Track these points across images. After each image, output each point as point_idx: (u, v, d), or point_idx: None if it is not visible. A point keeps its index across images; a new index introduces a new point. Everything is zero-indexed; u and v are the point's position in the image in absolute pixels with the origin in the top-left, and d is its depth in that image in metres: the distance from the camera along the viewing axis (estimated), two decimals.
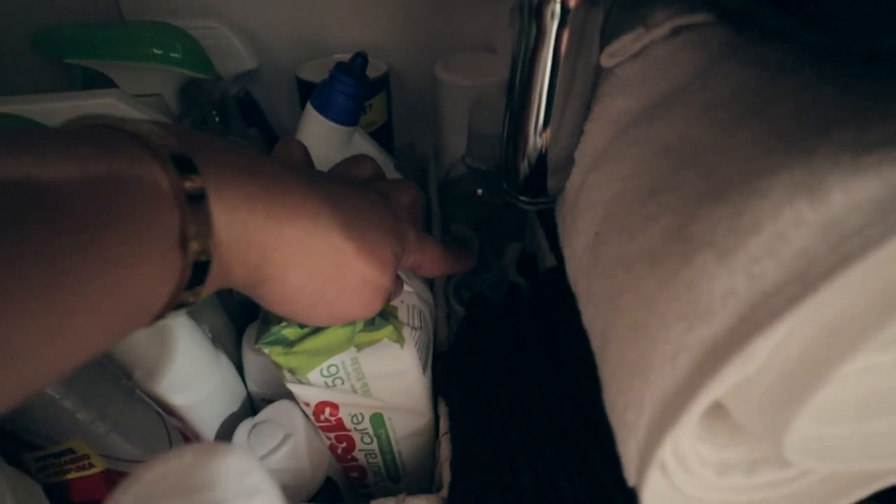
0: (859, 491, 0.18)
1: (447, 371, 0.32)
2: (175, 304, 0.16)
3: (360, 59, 0.39)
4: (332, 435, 0.32)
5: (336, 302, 0.22)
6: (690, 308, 0.14)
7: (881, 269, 0.13)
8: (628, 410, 0.16)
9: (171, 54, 0.39)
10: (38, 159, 0.13)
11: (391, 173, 0.46)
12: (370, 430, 0.31)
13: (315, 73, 0.49)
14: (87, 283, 0.13)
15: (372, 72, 0.48)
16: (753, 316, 0.12)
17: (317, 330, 0.26)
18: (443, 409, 0.32)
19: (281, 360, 0.26)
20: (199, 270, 0.16)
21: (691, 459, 0.17)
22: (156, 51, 0.39)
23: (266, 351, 0.26)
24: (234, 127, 0.50)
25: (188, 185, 0.16)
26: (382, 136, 0.52)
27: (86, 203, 0.13)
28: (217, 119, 0.45)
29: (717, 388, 0.13)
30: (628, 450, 0.16)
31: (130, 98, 0.34)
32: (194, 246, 0.16)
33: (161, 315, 0.16)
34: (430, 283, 0.40)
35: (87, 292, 0.13)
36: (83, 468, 0.28)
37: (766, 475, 0.18)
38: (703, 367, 0.13)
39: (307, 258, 0.20)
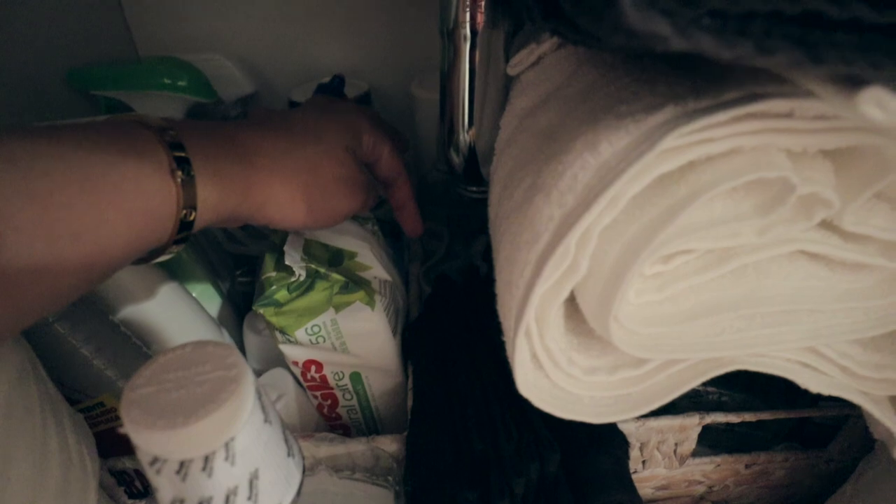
0: (693, 381, 0.24)
1: (413, 335, 0.38)
2: (181, 224, 0.23)
3: (338, 79, 0.46)
4: (318, 393, 0.38)
5: (327, 201, 0.29)
6: (531, 234, 0.20)
7: (656, 194, 0.19)
8: (504, 321, 0.22)
9: (179, 83, 0.46)
10: (86, 128, 0.21)
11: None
12: (350, 387, 0.37)
13: (306, 95, 0.56)
14: (113, 188, 0.20)
15: (354, 91, 0.55)
16: (560, 230, 0.18)
17: (301, 294, 0.32)
18: (411, 371, 0.38)
19: (273, 319, 0.32)
20: (189, 191, 0.23)
21: (561, 360, 0.23)
22: (166, 80, 0.46)
23: (261, 311, 0.32)
24: None
25: (168, 136, 0.23)
26: None
27: (111, 143, 0.21)
28: None
29: (543, 284, 0.19)
30: (508, 351, 0.22)
31: None
32: (179, 174, 0.23)
33: (174, 234, 0.23)
34: (404, 271, 0.46)
35: (114, 195, 0.20)
36: (111, 420, 0.34)
37: (624, 373, 0.23)
38: (535, 272, 0.19)
39: (282, 174, 0.27)
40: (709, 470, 0.40)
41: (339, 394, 0.37)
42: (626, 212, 0.19)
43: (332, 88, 0.47)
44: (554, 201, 0.19)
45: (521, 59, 0.29)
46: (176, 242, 0.24)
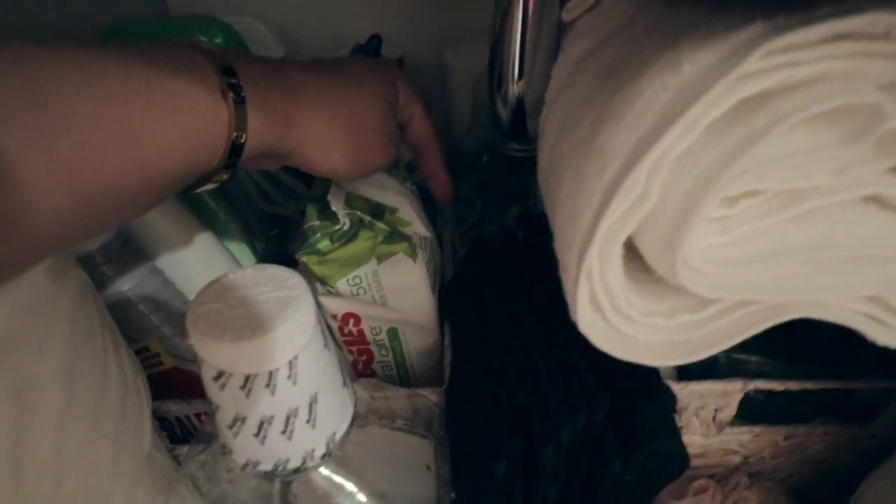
0: (754, 328, 0.23)
1: (450, 292, 0.38)
2: (231, 147, 0.23)
3: (376, 40, 0.45)
4: (354, 349, 0.38)
5: (362, 151, 0.29)
6: (600, 163, 0.19)
7: (732, 123, 0.18)
8: (565, 256, 0.21)
9: (215, 40, 0.46)
10: (137, 46, 0.21)
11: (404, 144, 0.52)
12: (386, 343, 0.37)
13: None
14: (168, 99, 0.20)
15: (388, 56, 0.54)
16: (634, 154, 0.18)
17: (344, 243, 0.32)
18: (447, 329, 0.37)
19: (315, 268, 0.32)
20: (240, 114, 0.23)
21: (620, 300, 0.22)
22: (202, 38, 0.46)
23: (304, 259, 0.32)
24: None
25: (219, 60, 0.23)
26: None
27: (165, 60, 0.21)
28: None
29: (613, 213, 0.18)
30: (568, 289, 0.22)
31: None
32: (231, 96, 0.23)
33: (224, 158, 0.23)
34: (438, 236, 0.46)
35: (170, 106, 0.20)
36: (156, 365, 0.34)
37: (683, 318, 0.23)
38: (604, 200, 0.19)
39: (324, 114, 0.27)
40: (746, 440, 0.39)
41: (375, 349, 0.37)
42: (699, 141, 0.19)
43: (370, 49, 0.46)
44: (627, 126, 0.18)
45: (577, 3, 0.28)
46: (224, 168, 0.24)
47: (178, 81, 0.20)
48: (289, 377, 0.18)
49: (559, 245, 0.22)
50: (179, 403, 0.34)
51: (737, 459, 0.41)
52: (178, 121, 0.20)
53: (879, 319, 0.23)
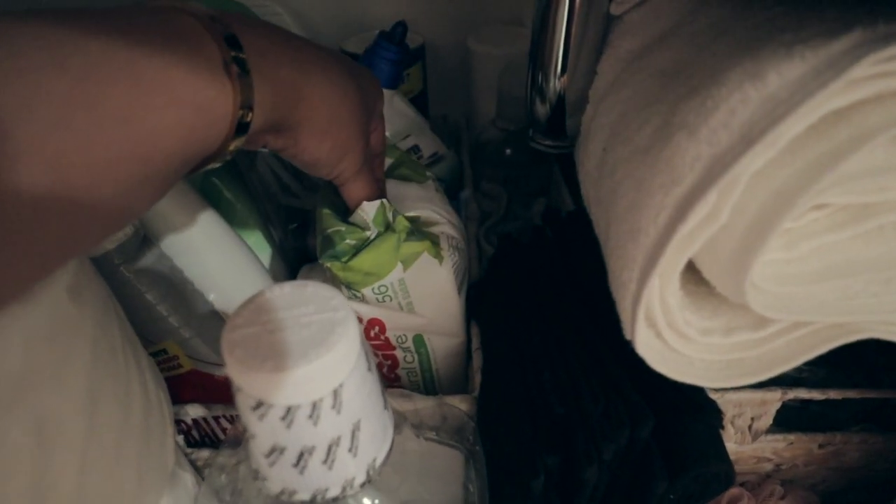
0: (816, 349, 0.22)
1: (478, 295, 0.36)
2: (237, 123, 0.21)
3: (401, 27, 0.43)
4: (380, 352, 0.36)
5: (343, 151, 0.27)
6: (668, 177, 0.18)
7: (810, 137, 0.17)
8: (624, 272, 0.20)
9: None
10: (117, 11, 0.18)
11: (427, 134, 0.50)
12: (412, 349, 0.36)
13: (359, 46, 0.54)
14: (159, 73, 0.18)
15: (409, 43, 0.52)
16: (711, 171, 0.16)
17: (364, 246, 0.30)
18: (475, 331, 0.36)
19: (340, 273, 0.31)
20: (246, 89, 0.20)
21: (677, 319, 0.21)
22: None
23: (328, 265, 0.31)
24: None
25: (218, 28, 0.20)
26: (419, 103, 0.56)
27: (151, 28, 0.18)
28: None
29: (686, 230, 0.17)
30: (625, 306, 0.21)
31: None
32: (234, 69, 0.20)
33: (230, 136, 0.21)
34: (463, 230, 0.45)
35: (161, 81, 0.18)
36: (174, 367, 0.33)
37: (740, 336, 0.22)
38: (676, 217, 0.17)
39: (329, 98, 0.25)
40: (780, 448, 0.38)
41: (400, 355, 0.36)
42: (774, 156, 0.17)
43: (395, 36, 0.44)
44: (702, 139, 0.17)
45: None
46: (231, 144, 0.22)
47: (168, 54, 0.18)
48: (333, 406, 0.17)
49: (615, 259, 0.21)
50: (198, 407, 0.33)
51: (769, 467, 0.40)
52: (171, 97, 0.18)
53: None
